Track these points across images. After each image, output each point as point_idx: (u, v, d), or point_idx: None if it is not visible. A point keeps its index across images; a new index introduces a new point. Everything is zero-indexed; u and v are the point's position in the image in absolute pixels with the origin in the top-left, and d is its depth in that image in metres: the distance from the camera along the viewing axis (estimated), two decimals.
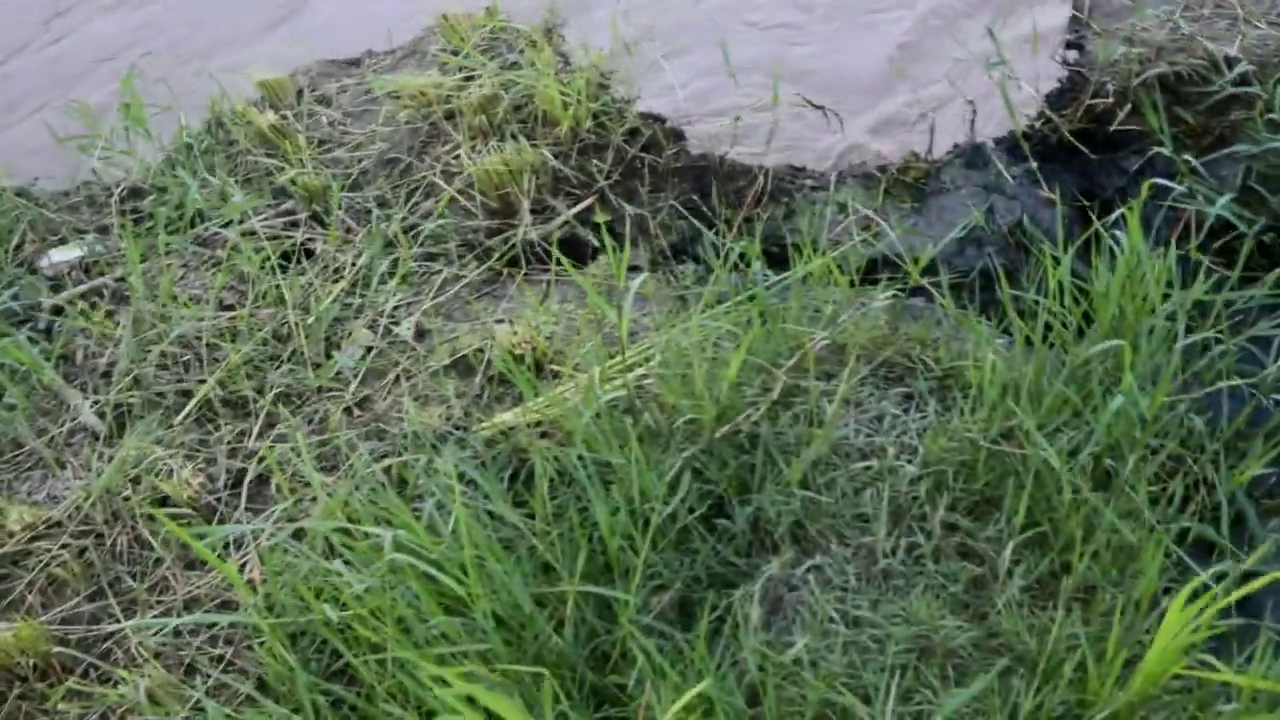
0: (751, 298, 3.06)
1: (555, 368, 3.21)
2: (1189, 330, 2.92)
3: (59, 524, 3.26)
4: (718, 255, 3.38)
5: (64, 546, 3.19)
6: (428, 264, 3.73)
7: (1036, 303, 2.92)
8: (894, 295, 3.16)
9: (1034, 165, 3.84)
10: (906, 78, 4.03)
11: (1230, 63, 3.82)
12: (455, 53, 4.51)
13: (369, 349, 3.49)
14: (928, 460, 2.72)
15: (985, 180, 3.84)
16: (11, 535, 3.23)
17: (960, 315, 3.09)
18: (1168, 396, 2.80)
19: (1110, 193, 3.76)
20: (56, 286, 4.01)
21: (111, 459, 3.35)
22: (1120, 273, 2.85)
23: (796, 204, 3.73)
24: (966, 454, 2.70)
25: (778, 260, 3.50)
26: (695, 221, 3.73)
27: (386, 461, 3.03)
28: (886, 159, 3.88)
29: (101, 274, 3.99)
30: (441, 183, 3.96)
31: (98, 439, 3.47)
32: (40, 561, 3.17)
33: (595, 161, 3.93)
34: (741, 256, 3.36)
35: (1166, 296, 2.93)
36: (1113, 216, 3.30)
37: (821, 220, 3.60)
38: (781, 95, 3.93)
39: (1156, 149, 3.69)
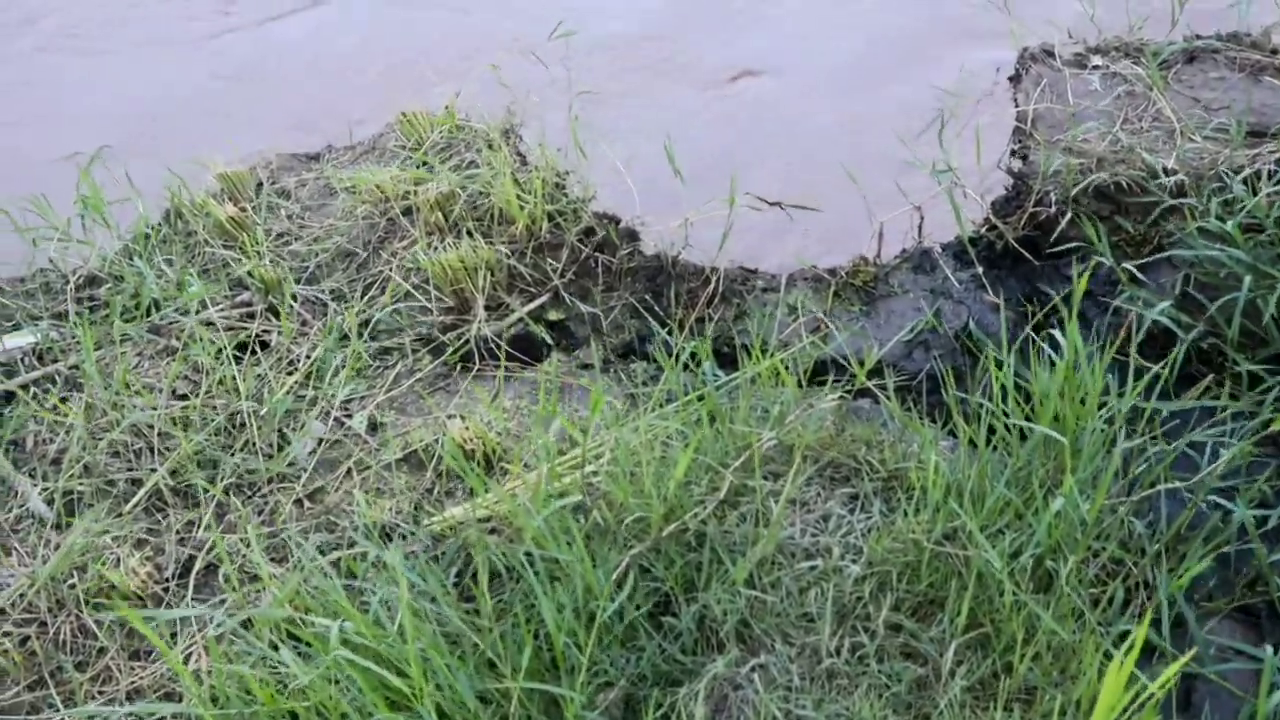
0: (701, 397, 3.10)
1: (505, 465, 3.23)
2: (1128, 434, 2.98)
3: (2, 611, 3.23)
4: (669, 354, 3.43)
5: (6, 634, 3.16)
6: (382, 358, 3.76)
7: (981, 405, 2.99)
8: (841, 397, 3.22)
9: (980, 270, 3.94)
10: (855, 182, 4.12)
11: (1167, 173, 3.94)
12: (414, 150, 4.58)
13: (321, 441, 3.51)
14: (872, 561, 2.75)
15: (933, 284, 3.93)
16: None
17: (905, 417, 3.14)
18: (1108, 499, 2.86)
19: (1054, 298, 3.85)
20: (9, 372, 4.01)
21: (58, 546, 3.33)
22: (1059, 377, 2.91)
23: (747, 305, 3.80)
24: (910, 555, 2.73)
25: (728, 360, 3.56)
26: (648, 320, 3.79)
27: (335, 554, 3.03)
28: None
29: (55, 361, 3.99)
30: (398, 278, 4.00)
31: (45, 526, 3.45)
32: None
33: (550, 260, 3.99)
34: (692, 356, 3.42)
35: (1105, 402, 3.00)
36: (1054, 321, 3.38)
37: (771, 321, 3.66)
38: (736, 196, 4.01)
39: (1098, 257, 3.79)
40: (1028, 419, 2.97)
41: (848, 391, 3.29)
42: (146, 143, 5.25)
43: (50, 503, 3.50)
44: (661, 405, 3.19)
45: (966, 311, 3.83)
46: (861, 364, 3.26)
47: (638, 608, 2.67)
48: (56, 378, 3.91)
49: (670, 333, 3.66)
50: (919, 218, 4.10)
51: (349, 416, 3.57)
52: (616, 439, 2.92)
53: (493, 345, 3.76)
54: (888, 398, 3.16)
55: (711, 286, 3.85)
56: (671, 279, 3.92)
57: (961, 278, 3.93)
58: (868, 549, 2.78)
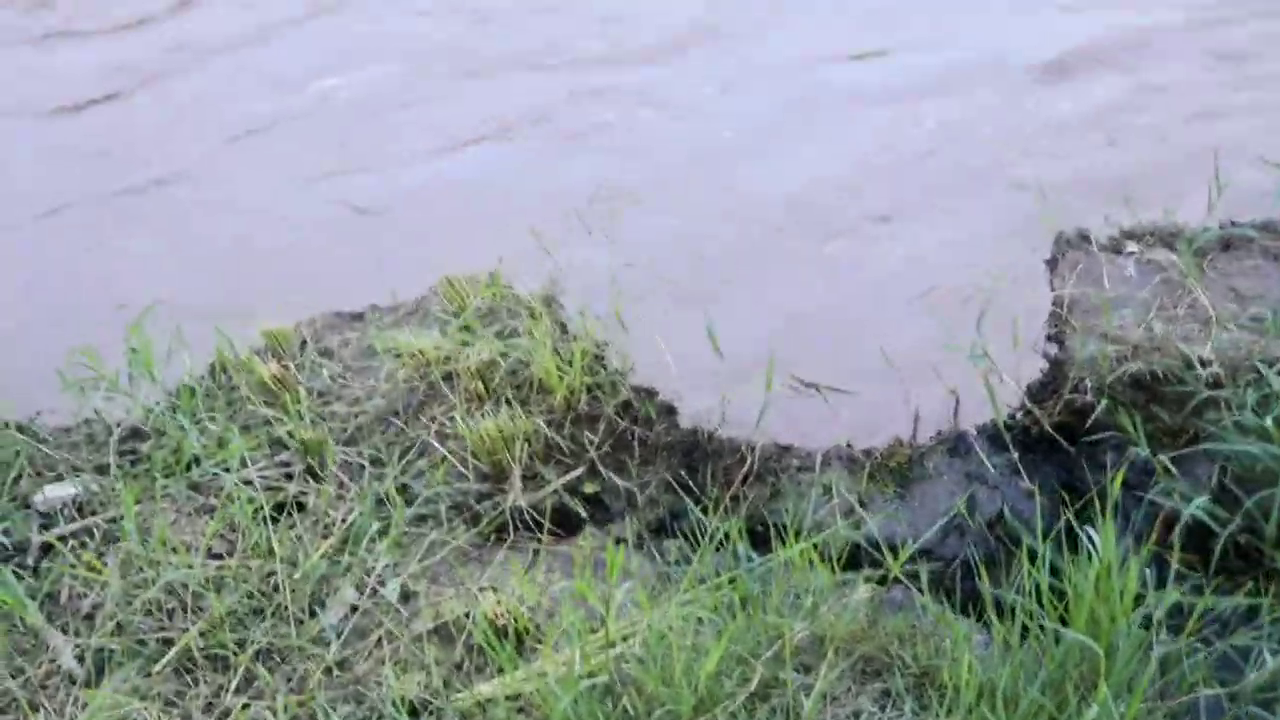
0: (733, 580, 3.11)
1: (536, 643, 3.23)
2: (1166, 634, 2.96)
3: None
4: (702, 533, 3.45)
5: None
6: (417, 524, 3.78)
7: (1015, 602, 2.97)
8: (874, 587, 3.21)
9: (1015, 456, 3.95)
10: (892, 364, 4.17)
11: (1203, 364, 3.96)
12: (456, 314, 4.66)
13: (353, 608, 3.52)
14: None
15: (968, 469, 3.95)
16: None
17: (938, 613, 3.13)
18: (1144, 703, 2.82)
19: (1089, 487, 3.84)
20: (48, 524, 4.05)
21: (85, 705, 3.33)
22: (1093, 577, 2.90)
23: (782, 484, 3.82)
24: None
25: (761, 540, 3.57)
26: (682, 496, 3.81)
27: None
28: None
29: (94, 513, 4.03)
30: (436, 444, 4.05)
31: (74, 683, 3.46)
32: None
33: (587, 432, 4.03)
34: (725, 536, 3.42)
35: (1142, 597, 2.98)
36: (1089, 511, 3.37)
37: (806, 503, 3.68)
38: (775, 375, 4.06)
39: (1133, 447, 3.80)
40: (1062, 619, 2.95)
41: (881, 581, 3.28)
42: (194, 295, 5.35)
43: (81, 659, 3.50)
44: (694, 587, 3.18)
45: (1001, 498, 3.84)
46: (895, 552, 3.26)
47: None
48: (95, 531, 3.95)
49: (704, 510, 3.67)
50: (954, 401, 4.13)
51: (382, 584, 3.59)
52: (648, 624, 2.92)
53: (528, 516, 3.78)
54: (921, 591, 3.15)
55: (747, 465, 3.87)
56: (707, 455, 3.95)
57: (996, 463, 3.94)
58: None
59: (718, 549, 3.40)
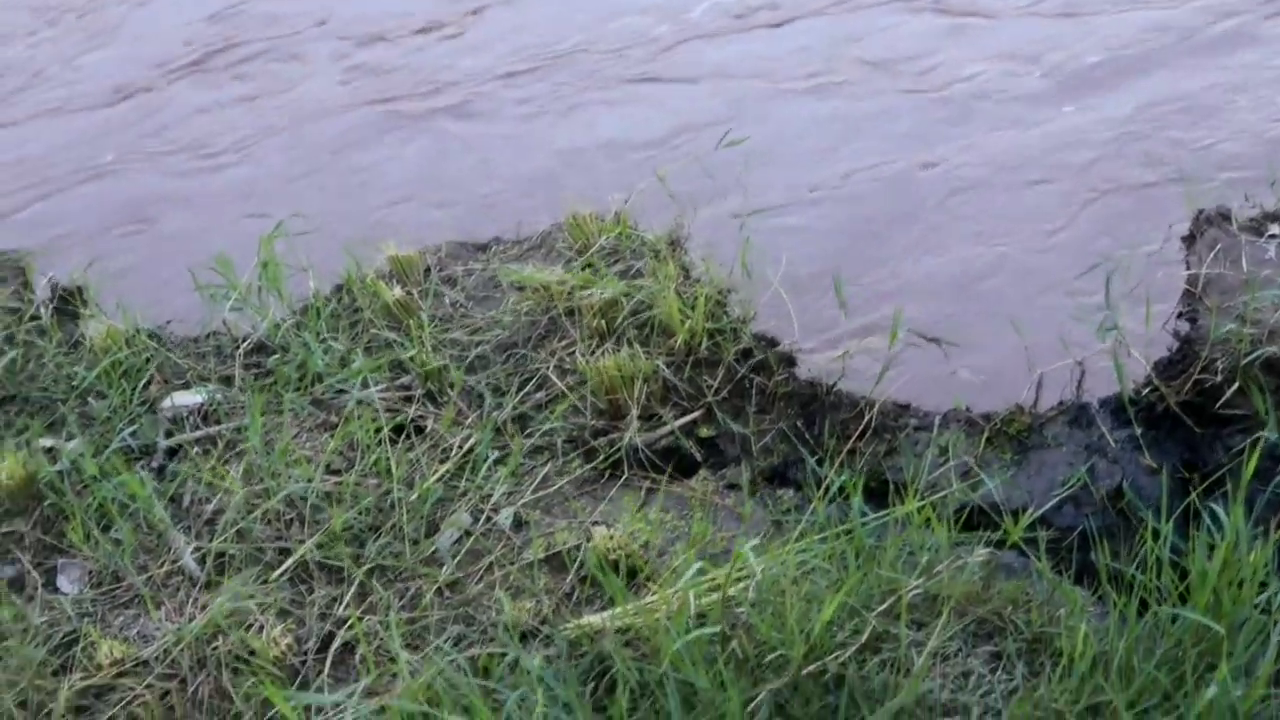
0: (848, 532, 3.10)
1: (648, 579, 3.26)
2: None
3: (146, 664, 3.33)
4: (818, 485, 3.44)
5: (148, 687, 3.25)
6: (533, 456, 3.82)
7: (1134, 577, 2.93)
8: (990, 550, 3.18)
9: (1138, 431, 3.88)
10: (1019, 331, 4.11)
11: None
12: (580, 251, 4.68)
13: (466, 533, 3.57)
14: None
15: (1088, 441, 3.88)
16: (100, 669, 3.31)
17: (1055, 580, 3.10)
18: (1264, 690, 2.77)
19: (1213, 468, 3.77)
20: (173, 430, 4.16)
21: (205, 606, 3.43)
22: (1218, 558, 2.85)
23: (899, 442, 3.79)
24: None
25: (875, 496, 3.55)
26: (798, 447, 3.80)
27: (473, 651, 3.08)
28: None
29: (219, 423, 4.13)
30: (554, 378, 4.08)
31: (194, 584, 3.56)
32: (123, 699, 3.24)
33: (706, 376, 4.04)
34: (840, 489, 3.41)
35: (1265, 584, 2.92)
36: (1213, 492, 3.31)
37: (923, 463, 3.65)
38: (899, 330, 4.02)
39: (1263, 432, 3.71)
40: (1182, 596, 2.90)
41: (998, 544, 3.25)
42: (328, 215, 5.41)
43: (201, 562, 3.60)
44: (809, 535, 3.18)
45: (1121, 472, 3.77)
46: (1015, 516, 3.23)
47: None
48: (218, 440, 4.04)
49: (820, 462, 3.66)
50: (1079, 371, 4.06)
51: (495, 511, 3.63)
52: (763, 570, 2.92)
53: (642, 456, 3.80)
54: (1038, 557, 3.11)
55: (865, 420, 3.85)
56: (825, 408, 3.93)
57: (1118, 436, 3.87)
58: (1007, 712, 2.74)
59: (831, 501, 3.39)
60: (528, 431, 3.91)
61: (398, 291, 4.51)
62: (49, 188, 6.19)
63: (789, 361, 4.13)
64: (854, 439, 3.80)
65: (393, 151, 6.14)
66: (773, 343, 4.19)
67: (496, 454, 3.80)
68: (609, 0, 7.07)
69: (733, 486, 3.71)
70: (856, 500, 3.19)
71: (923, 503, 3.22)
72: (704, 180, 4.92)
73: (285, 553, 3.59)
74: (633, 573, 3.31)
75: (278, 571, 3.53)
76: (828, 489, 3.37)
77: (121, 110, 6.81)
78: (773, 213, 4.93)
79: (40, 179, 6.25)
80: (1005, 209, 5.03)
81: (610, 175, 5.49)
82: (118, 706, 3.23)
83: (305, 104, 6.64)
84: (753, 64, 6.37)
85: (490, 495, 3.68)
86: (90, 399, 4.33)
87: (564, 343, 4.24)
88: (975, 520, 3.50)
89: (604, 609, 3.20)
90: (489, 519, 3.61)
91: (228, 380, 4.36)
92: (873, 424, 3.84)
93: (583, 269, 4.52)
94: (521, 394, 4.06)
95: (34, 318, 4.83)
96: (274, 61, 7.11)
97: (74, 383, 4.40)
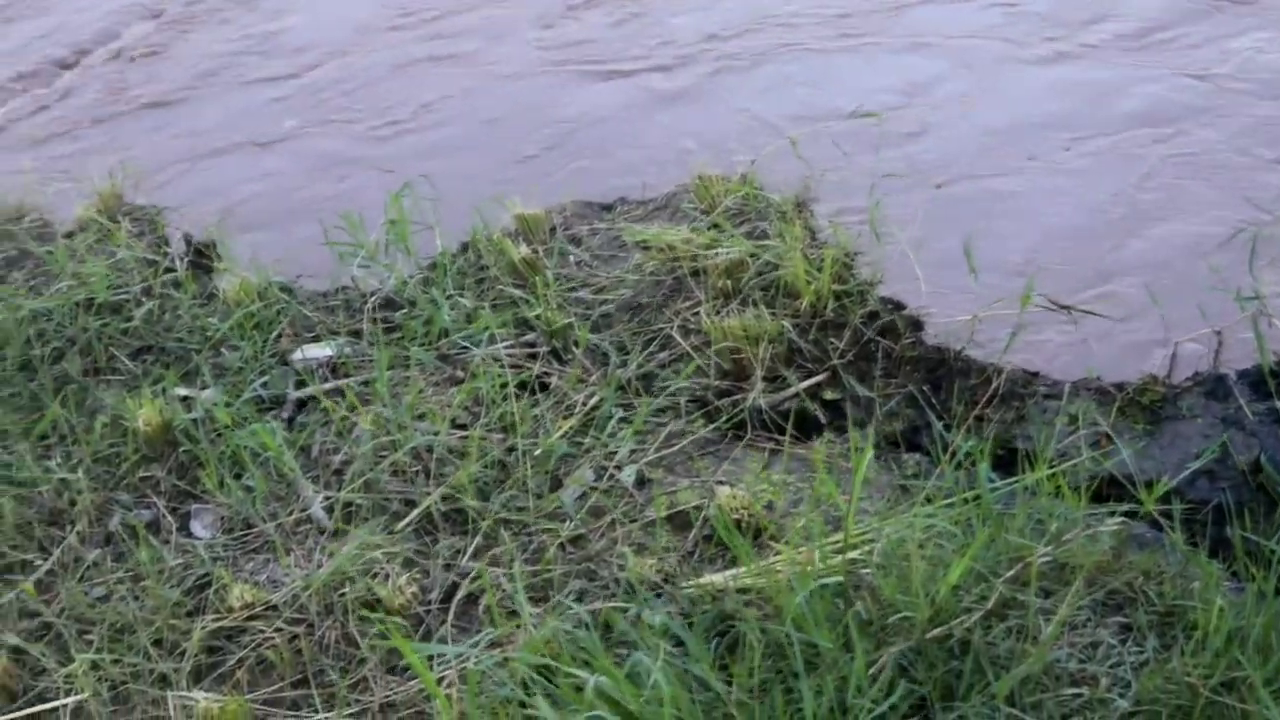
0: (976, 498, 3.05)
1: (771, 540, 3.24)
2: None
3: (274, 608, 3.41)
4: (944, 449, 3.40)
5: (277, 630, 3.34)
6: (657, 415, 3.82)
7: (1272, 551, 2.85)
8: (1122, 521, 3.11)
9: (1278, 404, 3.76)
10: (1156, 301, 4.00)
11: None
12: (705, 212, 4.66)
13: (590, 489, 3.59)
14: (1141, 698, 2.65)
15: (1224, 413, 3.77)
16: (231, 611, 3.40)
17: (1189, 552, 3.03)
18: None
19: None
20: (302, 382, 4.24)
21: (332, 554, 3.50)
22: None
23: (1028, 410, 3.72)
24: (1183, 698, 2.62)
25: (1003, 464, 3.49)
26: (924, 411, 3.75)
27: (596, 605, 3.09)
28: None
29: (347, 375, 4.20)
30: (678, 338, 4.07)
31: (322, 533, 3.63)
32: (253, 641, 3.33)
33: (832, 339, 4.00)
34: (967, 455, 3.36)
35: None
36: None
37: (1052, 431, 3.57)
38: (1029, 297, 3.94)
39: None
40: None
41: (1130, 515, 3.18)
42: (453, 173, 5.45)
43: (329, 511, 3.67)
44: (936, 499, 3.14)
45: (1259, 446, 3.66)
46: (1149, 487, 3.15)
47: (893, 708, 2.64)
48: (345, 392, 4.11)
49: (947, 428, 3.61)
50: (1217, 342, 3.94)
51: (619, 469, 3.65)
52: (888, 532, 2.90)
53: (766, 417, 3.78)
54: (1172, 529, 3.04)
55: (993, 387, 3.78)
56: (952, 373, 3.87)
57: (1257, 409, 3.75)
58: (1138, 685, 2.68)
59: (958, 467, 3.34)
60: (651, 390, 3.91)
61: (524, 249, 4.53)
62: (213, 154, 6.25)
63: (916, 325, 4.07)
64: (981, 405, 3.74)
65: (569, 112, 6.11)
66: (899, 305, 4.14)
67: (620, 412, 3.81)
68: None
69: (857, 450, 3.68)
70: (984, 466, 3.14)
71: (1052, 470, 3.16)
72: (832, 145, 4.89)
73: (410, 504, 3.65)
74: (756, 533, 3.30)
75: (403, 522, 3.59)
76: (954, 454, 3.32)
77: (312, 77, 6.87)
78: (905, 172, 4.85)
79: (209, 148, 6.29)
80: (1145, 178, 4.88)
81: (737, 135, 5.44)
82: (247, 648, 3.32)
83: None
84: (992, 28, 6.19)
85: (614, 453, 3.69)
86: (223, 350, 4.43)
87: (688, 303, 4.23)
88: (1105, 492, 3.43)
89: (725, 568, 3.20)
90: (612, 476, 3.63)
91: (356, 334, 4.43)
92: (1000, 391, 3.77)
93: (709, 229, 4.50)
94: (645, 353, 4.07)
95: (169, 270, 4.95)
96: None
97: (208, 334, 4.51)
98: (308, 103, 6.52)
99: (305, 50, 7.08)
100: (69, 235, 5.37)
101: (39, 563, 3.74)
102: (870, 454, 3.15)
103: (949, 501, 3.08)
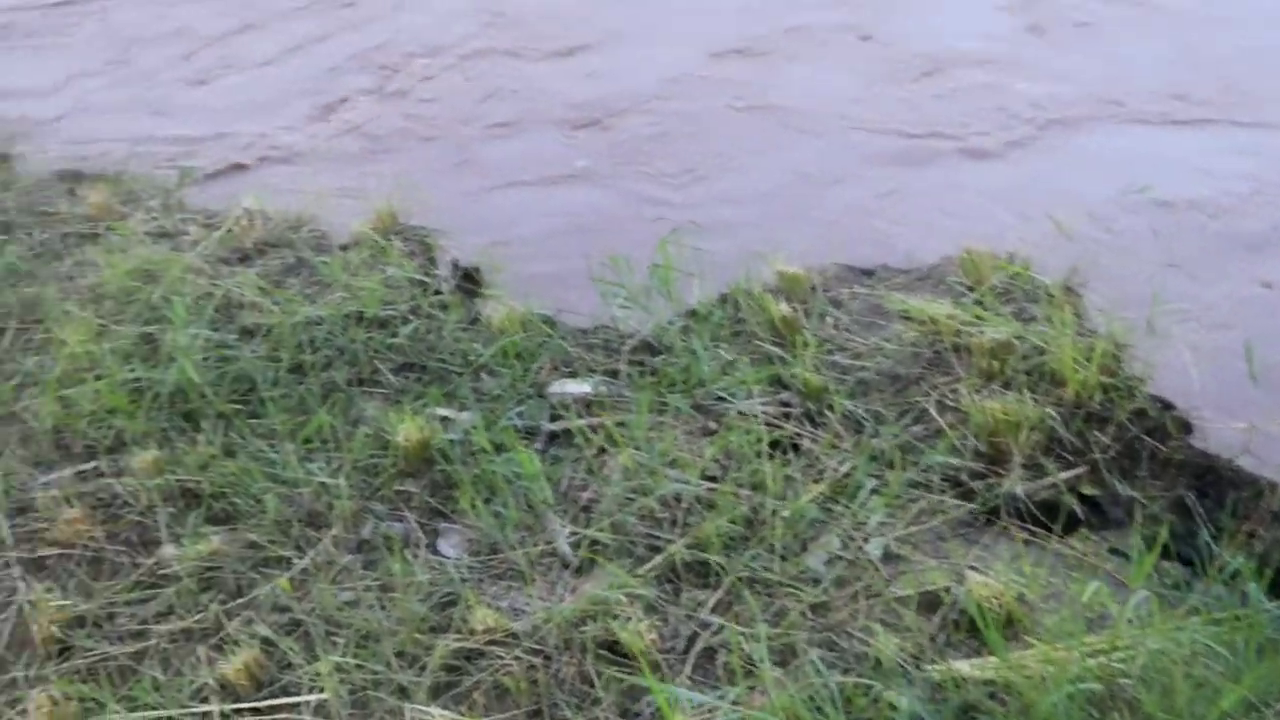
0: (1247, 618, 2.93)
1: (1026, 635, 3.17)
2: None
3: (515, 635, 3.48)
4: (1210, 562, 3.27)
5: (516, 658, 3.41)
6: (908, 490, 3.79)
7: None
8: None
9: None
10: None
11: None
12: (970, 288, 4.61)
13: (835, 557, 3.57)
14: None
15: None
16: (474, 633, 3.48)
17: None
18: None
19: None
20: (557, 415, 4.33)
21: (574, 590, 3.57)
22: None
23: None
24: None
25: (1273, 588, 3.34)
26: (1189, 520, 3.62)
27: (843, 678, 3.08)
28: None
29: (601, 414, 4.28)
30: (935, 413, 4.03)
31: (566, 567, 3.70)
32: (492, 665, 3.40)
33: (1095, 432, 3.90)
34: (1235, 572, 3.24)
35: None
36: None
37: None
38: None
39: None
40: None
41: None
42: (717, 223, 5.51)
43: (575, 547, 3.74)
44: (1202, 615, 3.03)
45: None
46: None
47: None
48: (599, 430, 4.18)
49: (1214, 539, 3.48)
50: None
51: (866, 540, 3.62)
52: (1152, 646, 2.81)
53: (1020, 505, 3.71)
54: None
55: (1266, 501, 3.63)
56: (1222, 482, 3.73)
57: None
58: None
59: (1225, 583, 3.22)
60: (904, 464, 3.88)
61: (784, 307, 4.56)
62: (497, 188, 6.32)
63: (1185, 427, 3.94)
64: (1255, 521, 3.59)
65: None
66: (1169, 405, 4.01)
67: (872, 482, 3.79)
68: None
69: (1114, 551, 3.57)
70: (1255, 586, 3.02)
71: None
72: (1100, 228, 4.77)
73: (655, 549, 3.69)
74: (1006, 623, 3.24)
75: (646, 566, 3.63)
76: (1221, 569, 3.20)
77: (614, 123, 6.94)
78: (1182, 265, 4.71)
79: (496, 181, 6.37)
80: None
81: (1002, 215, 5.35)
82: (485, 672, 3.39)
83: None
84: None
85: (863, 523, 3.67)
86: (484, 375, 4.57)
87: (947, 378, 4.19)
88: None
89: (970, 656, 3.15)
90: (859, 546, 3.61)
91: (613, 374, 4.51)
92: (1276, 509, 3.62)
93: (974, 305, 4.45)
94: (900, 424, 4.04)
95: (437, 292, 5.14)
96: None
97: (469, 358, 4.65)
98: (602, 144, 6.63)
99: (612, 98, 7.23)
100: (344, 248, 5.61)
101: (295, 560, 3.90)
102: (1152, 561, 3.07)
103: (1217, 619, 2.97)
